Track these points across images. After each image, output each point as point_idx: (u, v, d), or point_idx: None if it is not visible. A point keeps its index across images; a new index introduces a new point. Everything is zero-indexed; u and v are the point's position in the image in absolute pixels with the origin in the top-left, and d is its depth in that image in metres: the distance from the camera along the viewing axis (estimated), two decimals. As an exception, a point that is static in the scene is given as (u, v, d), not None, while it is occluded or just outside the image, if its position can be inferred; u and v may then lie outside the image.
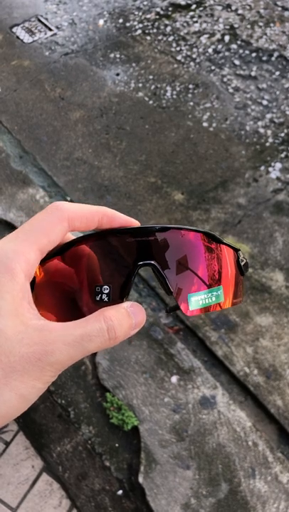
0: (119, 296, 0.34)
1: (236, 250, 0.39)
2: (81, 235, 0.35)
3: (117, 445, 1.40)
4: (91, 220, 0.34)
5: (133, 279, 0.34)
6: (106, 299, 0.34)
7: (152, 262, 0.34)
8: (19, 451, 1.42)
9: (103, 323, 0.31)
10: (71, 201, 1.87)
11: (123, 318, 0.32)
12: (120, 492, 1.35)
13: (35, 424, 1.45)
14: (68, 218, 0.33)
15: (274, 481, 1.35)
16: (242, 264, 0.39)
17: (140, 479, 1.34)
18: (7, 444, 1.43)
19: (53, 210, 0.33)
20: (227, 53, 2.39)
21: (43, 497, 1.36)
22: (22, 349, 0.29)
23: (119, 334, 0.31)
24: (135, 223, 0.36)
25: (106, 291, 0.34)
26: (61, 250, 0.35)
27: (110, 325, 0.31)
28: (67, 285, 0.36)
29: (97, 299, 0.34)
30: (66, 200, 1.87)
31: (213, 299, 0.36)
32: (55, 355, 0.29)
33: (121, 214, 0.35)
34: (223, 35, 2.47)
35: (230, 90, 2.24)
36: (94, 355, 1.52)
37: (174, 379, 1.49)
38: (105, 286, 0.34)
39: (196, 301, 0.35)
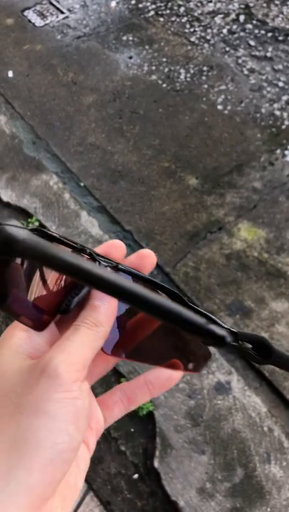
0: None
1: None
2: None
3: (132, 430, 1.41)
4: None
5: None
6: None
7: None
8: (36, 435, 1.44)
9: None
10: (84, 187, 1.87)
11: None
12: (136, 476, 1.36)
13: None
14: None
15: (289, 466, 1.35)
16: None
17: (156, 464, 1.35)
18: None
19: None
20: (242, 34, 2.34)
21: (60, 480, 1.38)
22: None
23: None
24: None
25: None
26: None
27: None
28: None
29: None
30: (79, 186, 1.87)
31: None
32: None
33: None
34: (238, 14, 2.42)
35: (245, 72, 2.19)
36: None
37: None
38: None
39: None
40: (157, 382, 0.36)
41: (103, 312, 0.31)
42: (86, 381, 0.29)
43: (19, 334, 0.31)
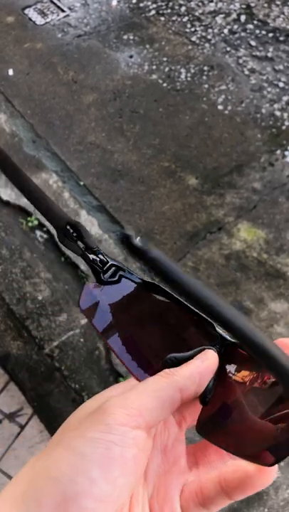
0: None
1: None
2: None
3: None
4: None
5: None
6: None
7: None
8: (33, 435, 1.44)
9: None
10: (84, 186, 1.87)
11: None
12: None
13: (50, 409, 1.46)
14: None
15: (287, 467, 1.35)
16: None
17: (153, 463, 1.34)
18: (22, 427, 1.45)
19: None
20: (243, 34, 2.34)
21: (58, 479, 1.38)
22: None
23: None
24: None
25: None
26: None
27: None
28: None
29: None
30: (79, 185, 1.87)
31: None
32: None
33: None
34: (239, 14, 2.41)
35: (246, 72, 2.19)
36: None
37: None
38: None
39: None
40: (232, 479, 0.29)
41: (187, 367, 0.29)
42: (143, 431, 0.26)
43: (114, 390, 0.31)
